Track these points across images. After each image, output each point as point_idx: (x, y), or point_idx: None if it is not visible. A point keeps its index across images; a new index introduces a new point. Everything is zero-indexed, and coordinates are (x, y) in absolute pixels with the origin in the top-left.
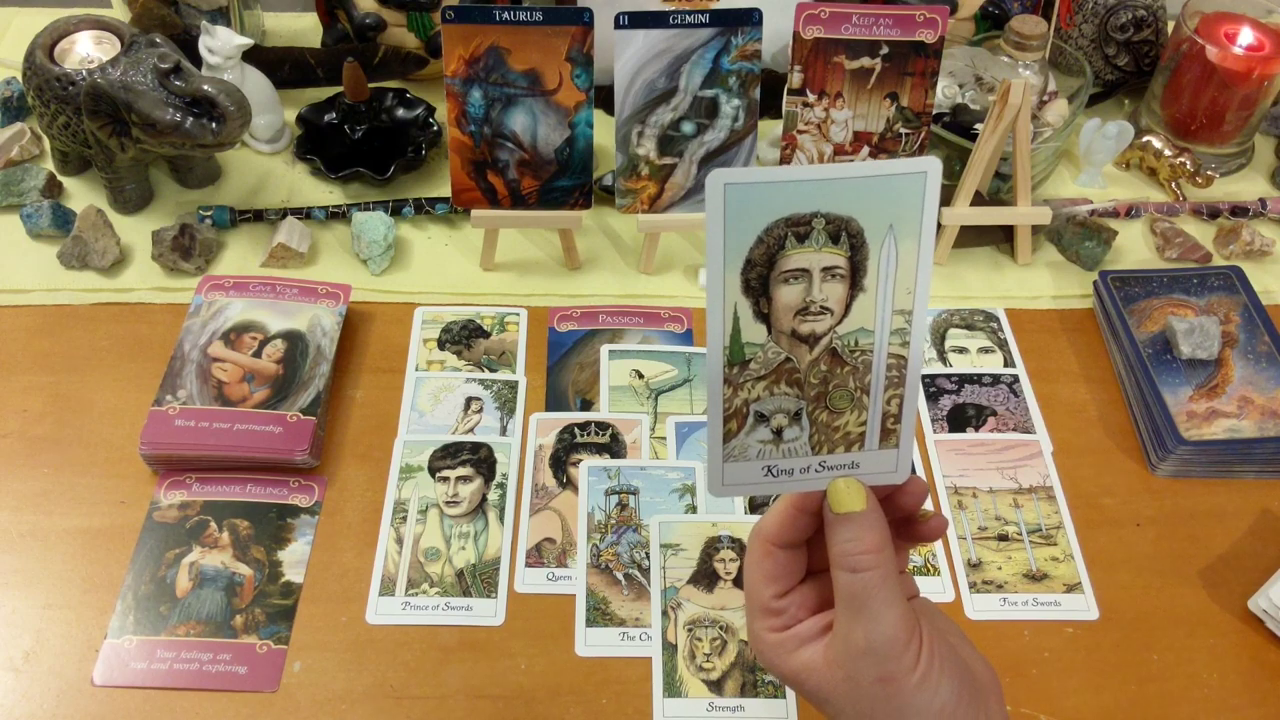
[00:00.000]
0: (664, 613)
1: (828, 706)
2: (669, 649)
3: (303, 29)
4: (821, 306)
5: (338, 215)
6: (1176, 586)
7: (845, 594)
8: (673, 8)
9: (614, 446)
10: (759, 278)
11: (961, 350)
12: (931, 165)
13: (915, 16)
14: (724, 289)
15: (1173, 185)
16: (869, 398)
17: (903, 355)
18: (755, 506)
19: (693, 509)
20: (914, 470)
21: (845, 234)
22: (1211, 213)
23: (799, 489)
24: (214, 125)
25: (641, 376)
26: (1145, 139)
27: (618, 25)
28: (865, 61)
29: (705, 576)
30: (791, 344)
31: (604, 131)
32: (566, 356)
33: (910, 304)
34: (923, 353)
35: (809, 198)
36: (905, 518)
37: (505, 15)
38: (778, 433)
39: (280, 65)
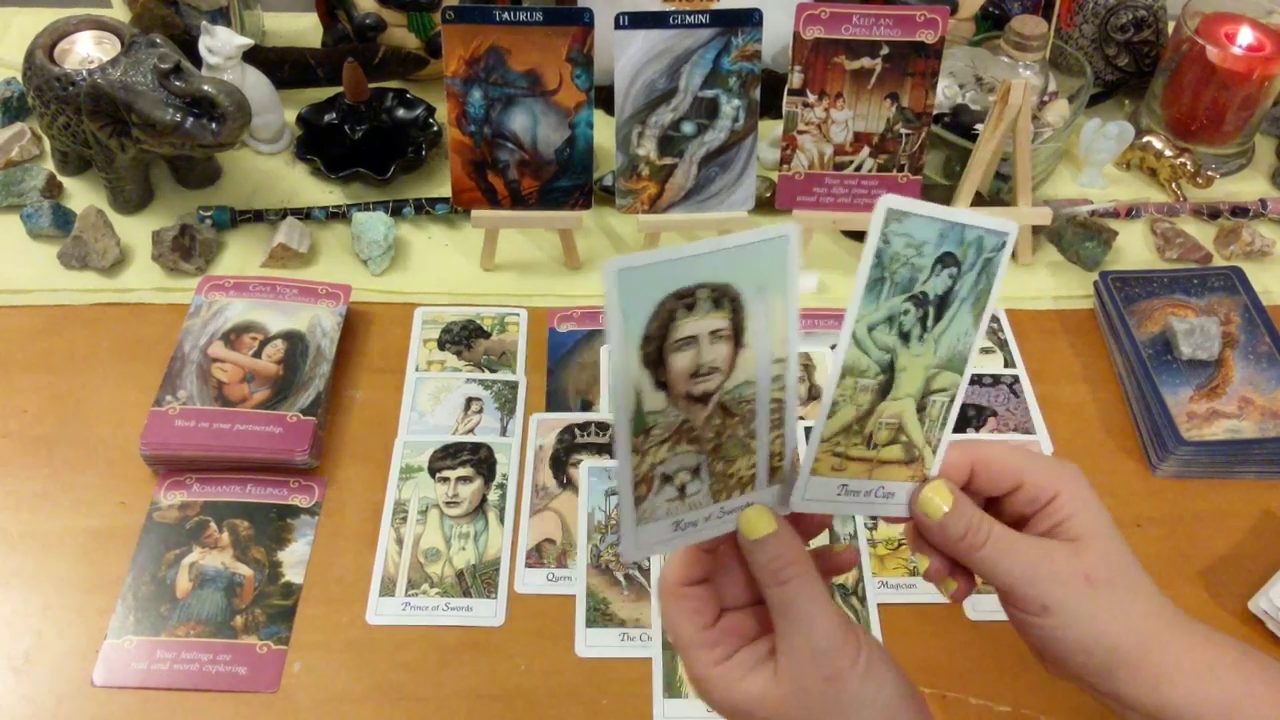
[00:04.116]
0: None
1: None
2: (669, 649)
3: (303, 29)
4: (711, 367)
5: (338, 215)
6: (1177, 586)
7: (778, 607)
8: (673, 8)
9: (614, 447)
10: (655, 350)
11: None
12: (791, 230)
13: (915, 17)
14: (627, 367)
15: (1173, 185)
16: (756, 441)
17: (781, 398)
18: None
19: None
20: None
21: (726, 299)
22: (1212, 213)
23: (706, 537)
24: (214, 125)
25: None
26: (1145, 139)
27: (618, 26)
28: (865, 62)
29: None
30: (688, 405)
31: (604, 131)
32: (566, 357)
33: (785, 351)
34: (798, 392)
35: (692, 271)
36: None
37: (505, 15)
38: (681, 489)
39: (280, 65)
